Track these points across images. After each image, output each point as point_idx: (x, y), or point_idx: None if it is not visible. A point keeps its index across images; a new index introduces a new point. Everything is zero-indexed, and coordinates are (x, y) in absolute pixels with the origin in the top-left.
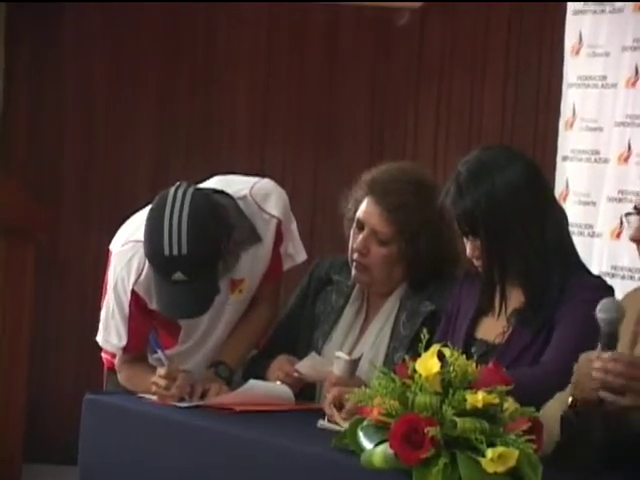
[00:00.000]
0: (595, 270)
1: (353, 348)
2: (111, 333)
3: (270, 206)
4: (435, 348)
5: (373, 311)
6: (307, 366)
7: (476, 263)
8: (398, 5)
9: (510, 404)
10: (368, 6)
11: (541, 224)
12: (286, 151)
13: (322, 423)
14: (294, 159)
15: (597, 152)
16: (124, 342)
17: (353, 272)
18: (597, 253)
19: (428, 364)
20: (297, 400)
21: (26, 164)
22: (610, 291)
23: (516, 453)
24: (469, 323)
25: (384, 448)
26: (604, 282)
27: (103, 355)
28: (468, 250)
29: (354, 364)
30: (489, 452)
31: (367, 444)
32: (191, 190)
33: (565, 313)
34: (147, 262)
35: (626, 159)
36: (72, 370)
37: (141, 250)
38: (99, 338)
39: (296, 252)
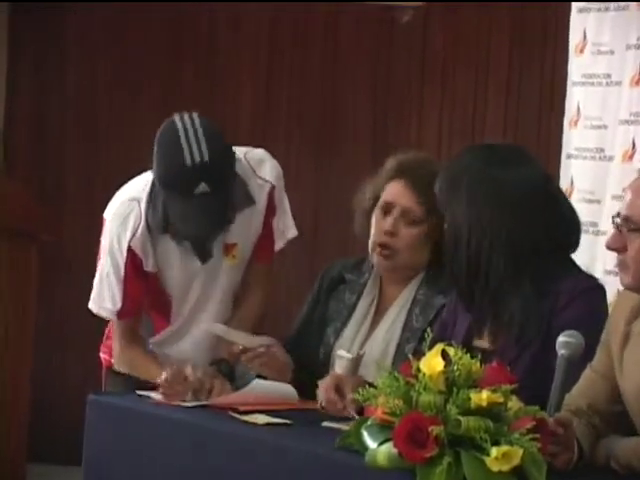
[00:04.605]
0: (599, 268)
1: (365, 341)
2: (105, 298)
3: (264, 172)
4: (439, 347)
5: (385, 305)
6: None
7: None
8: (401, 3)
9: (514, 403)
10: (371, 4)
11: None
12: (288, 150)
13: (326, 422)
14: (296, 158)
15: (602, 150)
16: (119, 305)
17: (376, 259)
18: (601, 251)
19: (432, 363)
20: (301, 399)
21: (29, 164)
22: (602, 291)
23: (520, 452)
24: (466, 330)
25: (388, 447)
26: (597, 282)
27: (101, 355)
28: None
29: (356, 362)
30: (493, 451)
31: (371, 443)
32: (195, 113)
33: (568, 323)
34: (144, 218)
35: (630, 157)
36: (77, 370)
37: (137, 208)
38: (92, 305)
39: (286, 228)
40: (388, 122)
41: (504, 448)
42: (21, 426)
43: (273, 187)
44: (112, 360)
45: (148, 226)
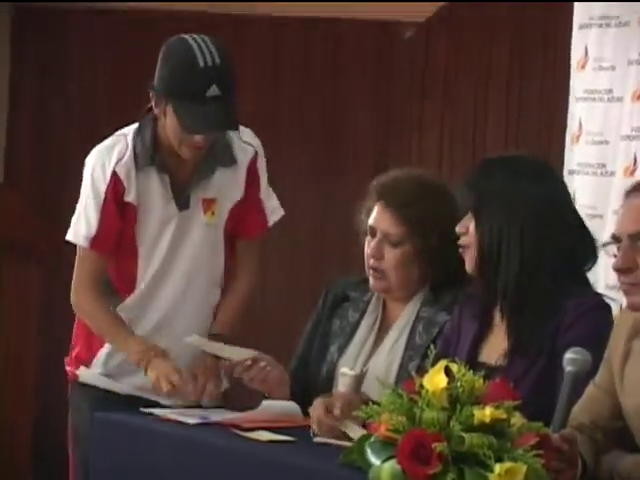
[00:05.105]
0: (602, 283)
1: (368, 359)
2: (81, 223)
3: (248, 137)
4: (442, 364)
5: (389, 322)
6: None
7: (461, 240)
8: (403, 19)
9: (517, 419)
10: (372, 20)
11: (538, 246)
12: (290, 167)
13: (318, 438)
14: (298, 173)
15: (603, 165)
16: (93, 231)
17: (370, 281)
18: (604, 267)
19: (435, 380)
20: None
21: (31, 173)
22: (608, 309)
23: (524, 468)
24: (470, 346)
25: (392, 464)
26: (602, 300)
27: (67, 368)
28: (459, 226)
29: (359, 379)
30: (497, 467)
31: (375, 460)
32: None
33: (573, 341)
34: (132, 148)
35: (632, 172)
36: None
37: (123, 140)
38: (69, 235)
39: (274, 208)
40: (389, 139)
41: (508, 464)
42: (24, 446)
43: (256, 153)
44: (76, 372)
45: (135, 156)
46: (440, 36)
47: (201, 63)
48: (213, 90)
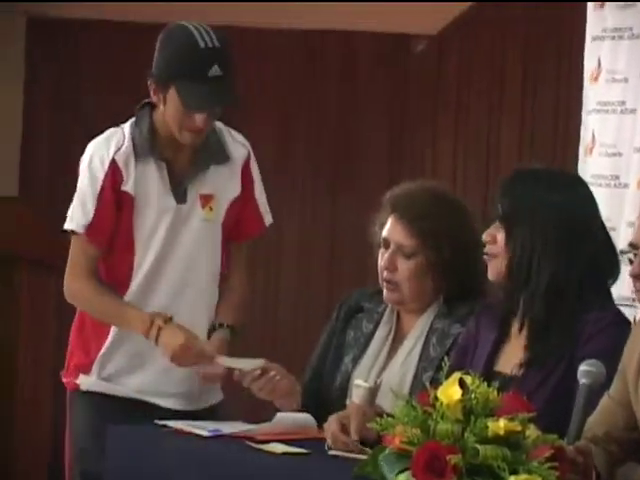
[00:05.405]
0: (616, 296)
1: (382, 370)
2: (76, 211)
3: (240, 138)
4: (456, 375)
5: (403, 334)
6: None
7: (487, 249)
8: (416, 32)
9: (532, 431)
10: (385, 33)
11: (565, 259)
12: (305, 179)
13: (333, 451)
14: (313, 187)
15: (617, 177)
16: (89, 217)
17: (384, 293)
18: (619, 279)
19: (449, 392)
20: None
21: (47, 184)
22: (627, 324)
23: None
24: (488, 355)
25: (406, 476)
26: (622, 315)
27: (64, 380)
28: (485, 234)
29: (373, 391)
30: (511, 479)
31: (389, 472)
32: None
33: (589, 355)
34: (130, 138)
35: None
36: None
37: (120, 132)
38: (66, 224)
39: (267, 212)
40: (403, 152)
41: (522, 476)
42: (42, 453)
43: (249, 154)
44: (76, 382)
45: (134, 145)
46: (452, 49)
47: (202, 44)
48: (215, 70)
